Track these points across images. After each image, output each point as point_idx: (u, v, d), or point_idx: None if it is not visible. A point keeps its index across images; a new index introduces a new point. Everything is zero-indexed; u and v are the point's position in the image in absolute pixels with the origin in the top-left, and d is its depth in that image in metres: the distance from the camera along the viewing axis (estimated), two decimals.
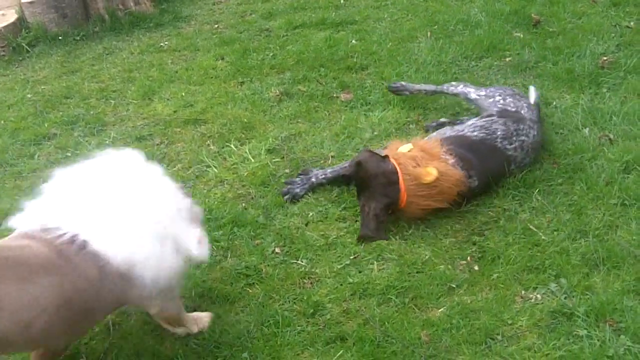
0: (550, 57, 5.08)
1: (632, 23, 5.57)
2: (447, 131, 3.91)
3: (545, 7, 5.99)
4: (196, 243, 2.74)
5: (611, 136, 4.08)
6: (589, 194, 3.64)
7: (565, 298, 3.03)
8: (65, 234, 2.47)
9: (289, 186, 3.90)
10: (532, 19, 5.69)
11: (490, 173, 3.64)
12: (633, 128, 4.13)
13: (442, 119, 4.44)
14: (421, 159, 3.51)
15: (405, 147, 3.63)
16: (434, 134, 3.96)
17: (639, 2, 5.95)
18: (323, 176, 3.90)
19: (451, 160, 3.55)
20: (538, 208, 3.60)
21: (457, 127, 3.93)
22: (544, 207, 3.60)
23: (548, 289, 3.10)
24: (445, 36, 5.61)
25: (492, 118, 3.90)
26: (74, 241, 2.45)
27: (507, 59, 5.10)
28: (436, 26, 5.81)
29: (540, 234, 3.41)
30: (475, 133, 3.79)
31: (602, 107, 4.37)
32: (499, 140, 3.74)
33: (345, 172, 3.80)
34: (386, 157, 3.55)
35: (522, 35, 5.47)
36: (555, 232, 3.42)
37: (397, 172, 3.48)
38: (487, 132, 3.78)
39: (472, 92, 4.24)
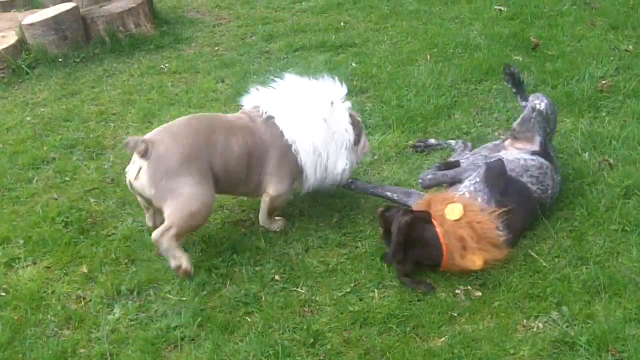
0: (549, 81, 5.09)
1: (630, 46, 5.59)
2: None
3: (544, 30, 6.02)
4: (339, 167, 3.72)
5: (611, 161, 4.07)
6: (589, 219, 3.63)
7: (567, 327, 3.01)
8: (261, 110, 3.69)
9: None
10: (531, 42, 5.72)
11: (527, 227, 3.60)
12: (632, 152, 4.13)
13: (431, 140, 4.43)
14: (470, 240, 3.30)
15: (454, 212, 3.37)
16: (475, 179, 3.58)
17: (637, 25, 5.99)
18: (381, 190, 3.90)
19: (504, 236, 3.41)
20: (539, 234, 3.58)
21: (511, 165, 3.62)
22: (544, 233, 3.58)
23: (550, 317, 3.08)
24: (445, 59, 5.63)
25: (543, 165, 3.68)
26: (264, 115, 3.66)
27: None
28: (435, 49, 5.83)
29: (541, 260, 3.40)
30: (535, 187, 3.58)
31: (602, 131, 4.37)
32: (549, 199, 3.64)
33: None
34: (431, 224, 3.37)
35: (521, 59, 5.49)
36: (556, 259, 3.41)
37: (442, 253, 3.32)
38: (542, 187, 3.60)
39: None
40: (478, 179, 3.56)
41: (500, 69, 5.27)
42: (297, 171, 3.70)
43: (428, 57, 5.66)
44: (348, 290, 3.34)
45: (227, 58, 6.20)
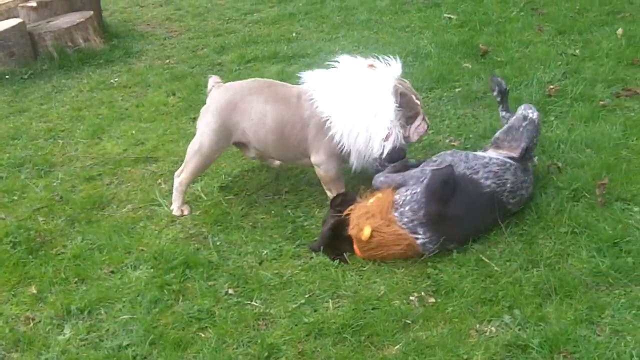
0: None
1: (577, 51, 5.69)
2: (462, 164, 3.70)
3: (492, 37, 6.10)
4: (377, 147, 3.80)
5: (559, 164, 4.12)
6: (539, 222, 3.67)
7: (519, 330, 3.03)
8: (307, 88, 3.93)
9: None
10: (480, 49, 5.79)
11: (481, 230, 3.63)
12: (580, 155, 4.19)
13: None
14: (362, 217, 3.52)
15: (370, 200, 3.63)
16: (437, 157, 3.80)
17: (584, 30, 6.10)
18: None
19: (418, 240, 3.47)
20: (490, 239, 3.61)
21: (472, 162, 3.69)
22: (495, 237, 3.61)
23: (502, 321, 3.10)
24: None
25: (507, 163, 3.71)
26: (307, 92, 3.91)
27: (457, 90, 5.16)
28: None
29: (493, 264, 3.42)
30: (489, 182, 3.61)
31: (550, 135, 4.44)
32: (506, 193, 3.63)
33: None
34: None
35: (470, 66, 5.55)
36: (507, 263, 3.43)
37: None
38: (498, 181, 3.61)
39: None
40: (418, 189, 3.56)
41: (450, 76, 5.37)
42: (335, 147, 3.85)
43: None
44: (302, 301, 3.32)
45: (178, 71, 6.16)
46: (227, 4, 8.09)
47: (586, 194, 3.83)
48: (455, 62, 5.60)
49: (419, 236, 3.47)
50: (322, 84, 3.90)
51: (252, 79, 4.30)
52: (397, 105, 3.79)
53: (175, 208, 4.10)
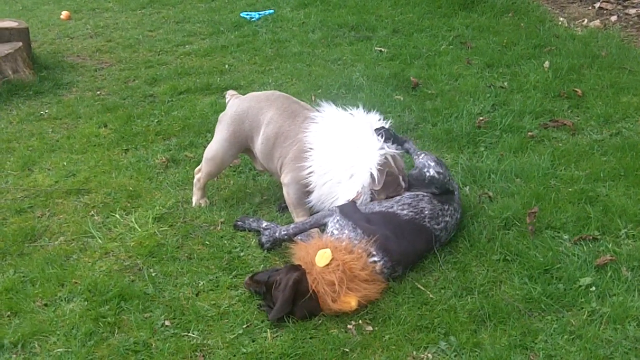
0: (430, 119, 5.26)
1: (505, 83, 5.88)
2: (376, 206, 3.77)
3: (423, 70, 6.24)
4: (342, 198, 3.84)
5: (490, 194, 4.23)
6: (472, 251, 3.75)
7: (455, 356, 3.09)
8: (316, 115, 4.06)
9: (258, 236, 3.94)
10: (411, 81, 5.91)
11: (418, 255, 3.68)
12: (510, 185, 4.31)
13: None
14: (341, 283, 3.31)
15: (322, 258, 3.38)
16: (363, 206, 3.80)
17: (511, 62, 6.31)
18: (285, 232, 3.84)
19: (377, 263, 3.48)
20: (425, 267, 3.67)
21: (385, 203, 3.78)
22: (430, 265, 3.68)
23: (438, 347, 3.14)
24: (329, 100, 5.70)
25: (419, 194, 3.80)
26: (314, 118, 4.04)
27: (389, 121, 5.23)
28: (320, 90, 5.93)
29: (428, 292, 3.48)
30: (405, 212, 3.70)
31: (481, 166, 4.55)
32: (427, 219, 3.70)
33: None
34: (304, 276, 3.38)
35: (402, 98, 5.66)
36: (442, 290, 3.50)
37: (318, 303, 3.35)
38: (414, 210, 3.71)
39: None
40: (338, 217, 3.64)
41: (382, 108, 5.43)
42: (303, 177, 3.95)
43: (313, 97, 5.75)
44: (240, 332, 3.30)
45: (110, 102, 6.09)
46: (158, 35, 8.05)
47: (517, 223, 3.93)
48: (387, 94, 5.71)
49: (375, 260, 3.48)
50: (329, 120, 4.02)
51: (271, 91, 4.56)
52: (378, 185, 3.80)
53: (195, 201, 4.41)
